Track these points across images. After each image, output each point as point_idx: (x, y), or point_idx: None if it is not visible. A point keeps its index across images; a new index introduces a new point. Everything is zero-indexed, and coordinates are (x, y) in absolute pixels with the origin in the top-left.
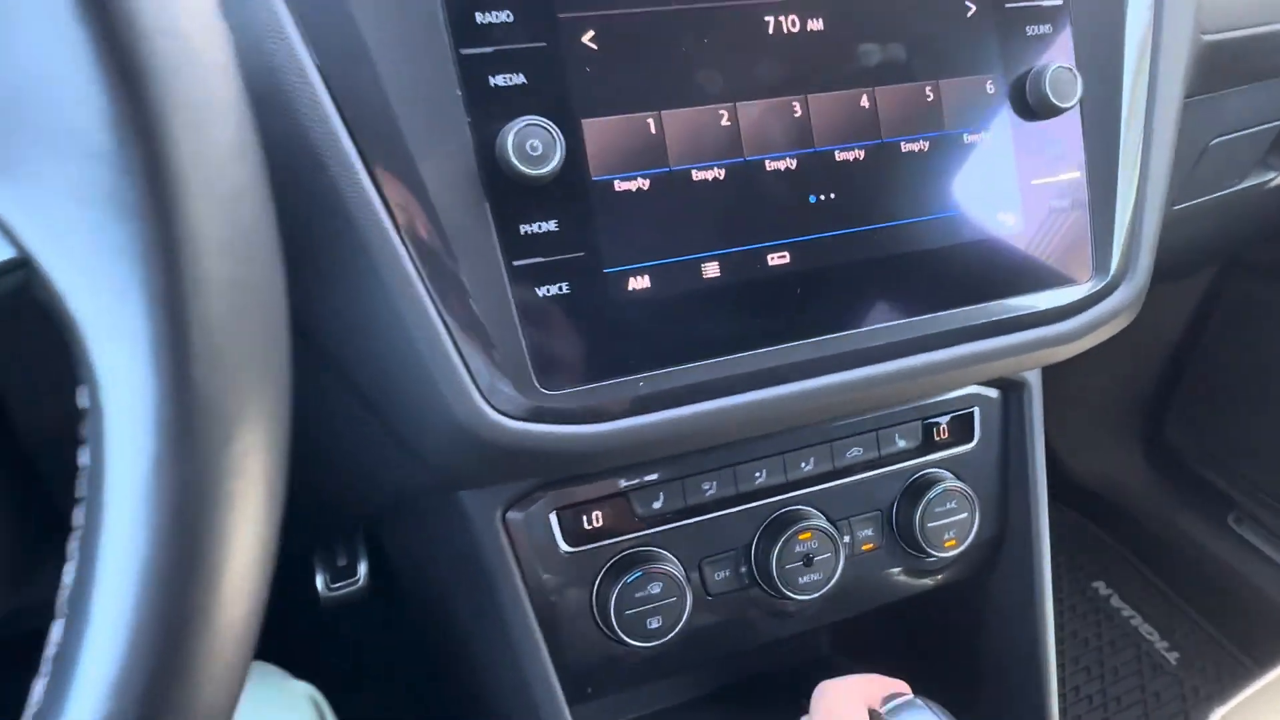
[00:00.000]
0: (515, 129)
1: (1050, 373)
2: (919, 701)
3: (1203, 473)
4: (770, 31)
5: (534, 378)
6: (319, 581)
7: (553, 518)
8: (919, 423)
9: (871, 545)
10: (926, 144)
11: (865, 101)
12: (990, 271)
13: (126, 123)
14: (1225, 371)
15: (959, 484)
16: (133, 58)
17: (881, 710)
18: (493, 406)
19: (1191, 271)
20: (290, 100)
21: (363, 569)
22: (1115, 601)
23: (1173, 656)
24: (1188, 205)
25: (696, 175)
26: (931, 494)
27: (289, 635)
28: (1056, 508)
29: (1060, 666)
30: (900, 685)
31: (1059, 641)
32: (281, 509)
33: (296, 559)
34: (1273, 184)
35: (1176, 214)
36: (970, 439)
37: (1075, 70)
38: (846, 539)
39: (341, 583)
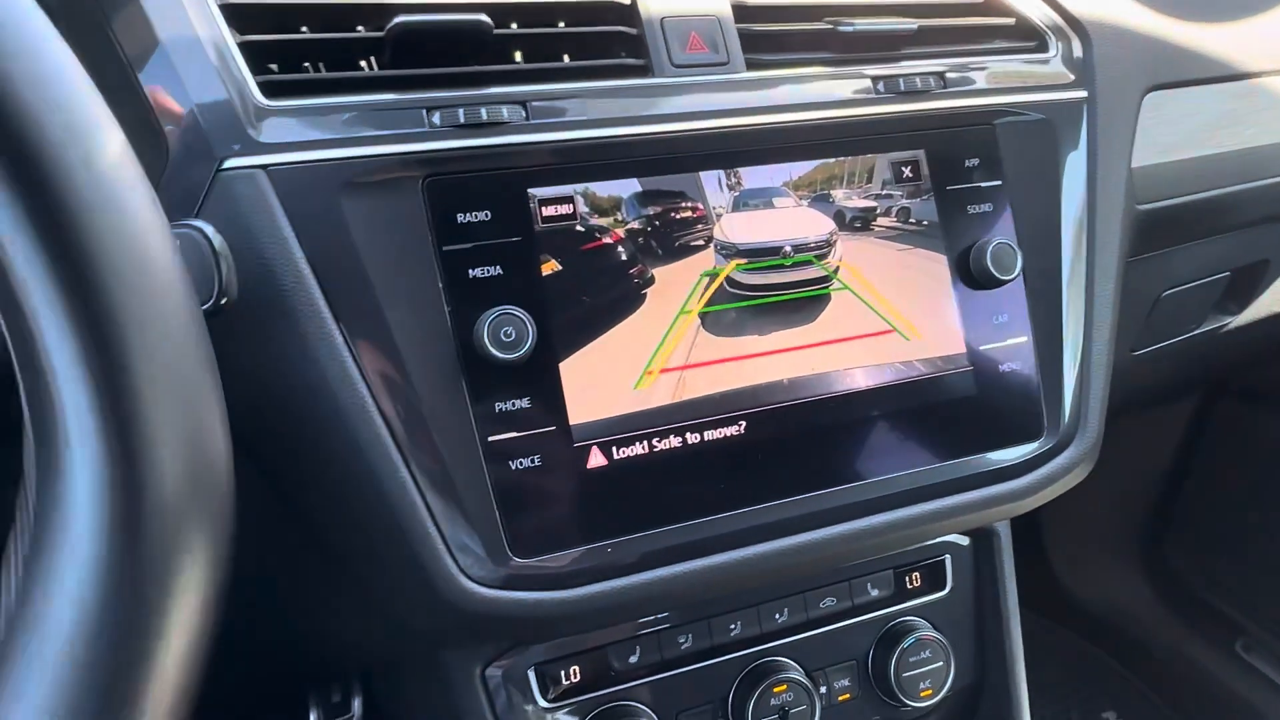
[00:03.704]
0: (491, 317)
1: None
2: None
3: (1206, 597)
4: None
5: (507, 546)
6: (312, 717)
7: (531, 674)
8: (891, 571)
9: (848, 695)
10: (881, 322)
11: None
12: (945, 433)
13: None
14: (1220, 494)
15: (933, 633)
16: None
17: None
18: (466, 575)
19: (1173, 399)
20: (287, 300)
21: (357, 705)
22: None
23: None
24: (1149, 350)
25: None
26: (906, 643)
27: None
28: (1061, 632)
29: None
30: None
31: None
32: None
33: (290, 697)
34: (1228, 328)
35: (1138, 358)
36: (943, 586)
37: (1015, 245)
38: (823, 689)
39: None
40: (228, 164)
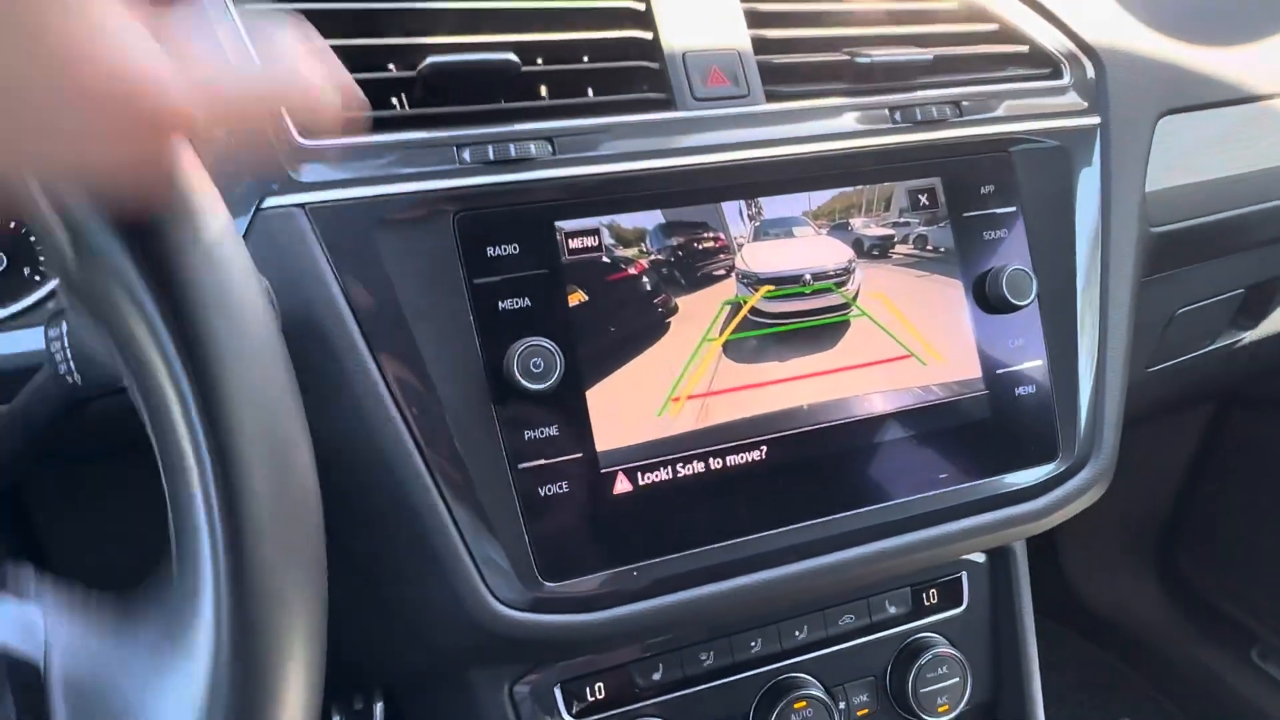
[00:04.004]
0: (520, 349)
1: None
2: None
3: (1221, 605)
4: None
5: (536, 570)
6: None
7: (557, 690)
8: (909, 589)
9: (866, 710)
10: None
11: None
12: (962, 456)
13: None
14: (1234, 502)
15: (950, 649)
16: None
17: None
18: (497, 597)
19: (1187, 408)
20: (324, 333)
21: (379, 710)
22: None
23: None
24: (1164, 366)
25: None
26: (923, 659)
27: None
28: (1076, 639)
29: None
30: None
31: None
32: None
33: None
34: (1242, 343)
35: (1152, 375)
36: (960, 603)
37: (1030, 271)
38: (842, 705)
39: None
40: (268, 203)
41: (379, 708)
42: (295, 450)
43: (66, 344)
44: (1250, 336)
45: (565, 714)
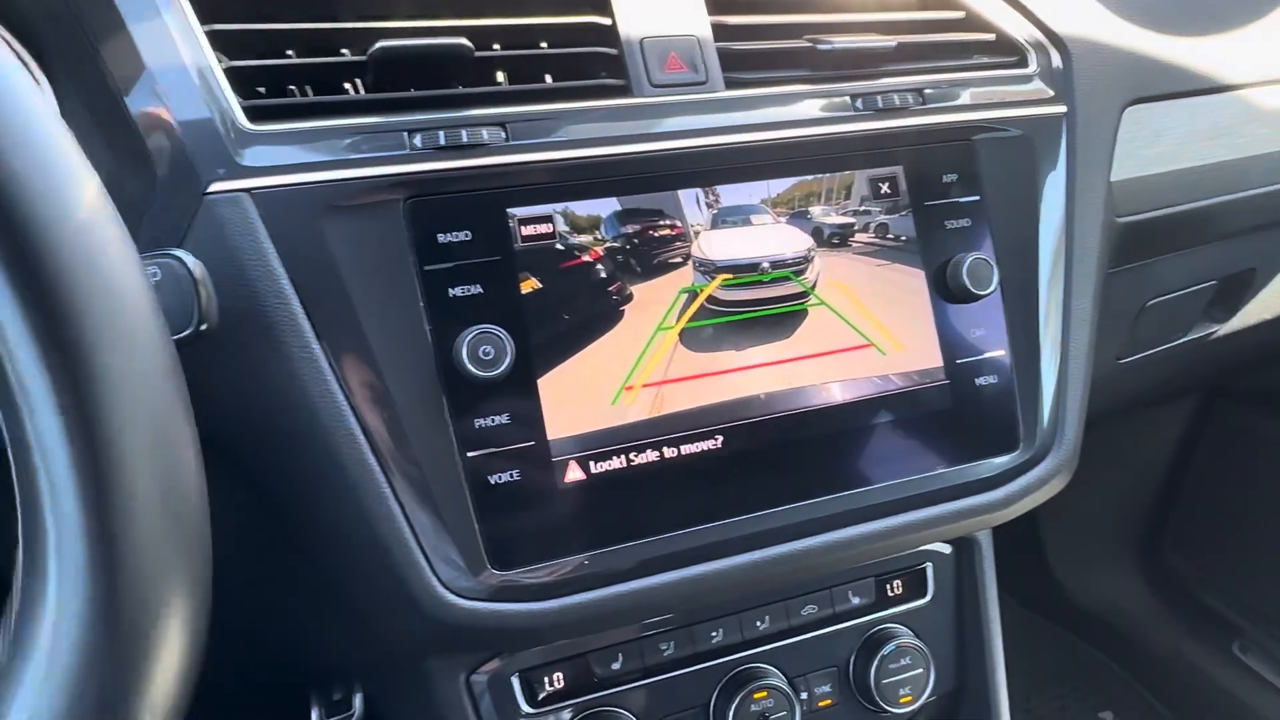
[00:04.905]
0: (470, 336)
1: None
2: None
3: (1204, 598)
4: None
5: (486, 559)
6: (314, 715)
7: (515, 680)
8: (873, 579)
9: (829, 701)
10: (858, 337)
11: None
12: (923, 446)
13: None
14: (1217, 495)
15: (913, 640)
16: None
17: None
18: (447, 587)
19: (1164, 402)
20: (271, 321)
21: (358, 702)
22: None
23: None
24: (1136, 359)
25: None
26: (886, 649)
27: None
28: (1058, 633)
29: None
30: None
31: None
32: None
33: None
34: (1215, 335)
35: (1124, 366)
36: (924, 594)
37: (992, 260)
38: (804, 695)
39: (337, 717)
40: (213, 188)
41: (358, 699)
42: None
43: None
44: (1224, 329)
45: (523, 703)
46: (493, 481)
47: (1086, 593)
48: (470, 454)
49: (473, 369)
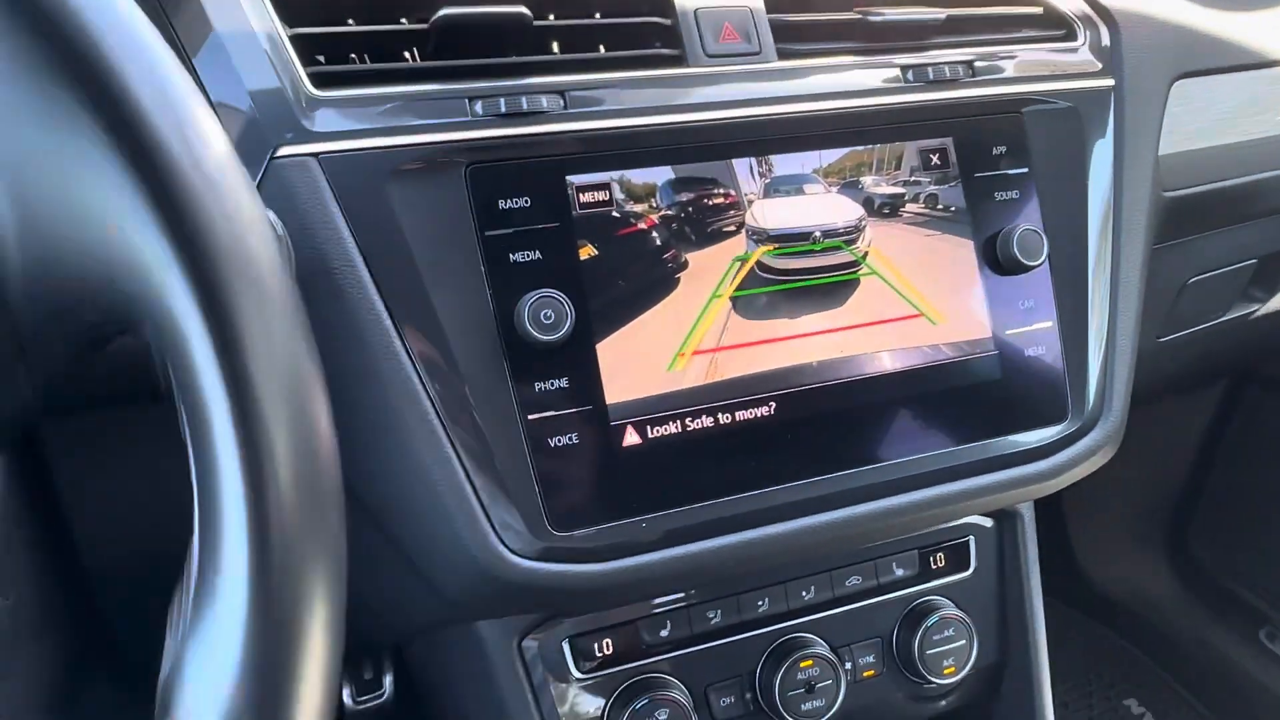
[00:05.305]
0: (531, 300)
1: (1071, 485)
2: None
3: (1230, 586)
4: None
5: (546, 520)
6: (345, 694)
7: (565, 645)
8: (916, 551)
9: (872, 671)
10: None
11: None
12: (971, 416)
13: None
14: (1245, 483)
15: (956, 611)
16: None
17: None
18: (507, 547)
19: (1199, 386)
20: (337, 282)
21: (389, 682)
22: None
23: None
24: (1175, 337)
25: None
26: (929, 621)
27: None
28: (1084, 620)
29: None
30: None
31: None
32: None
33: None
34: (1255, 315)
35: (1163, 345)
36: (967, 567)
37: (1041, 232)
38: (848, 665)
39: (367, 696)
40: (281, 152)
41: (388, 679)
42: (315, 405)
43: None
44: (1263, 309)
45: (573, 669)
46: (553, 444)
47: (1112, 581)
48: (531, 417)
49: (534, 332)
